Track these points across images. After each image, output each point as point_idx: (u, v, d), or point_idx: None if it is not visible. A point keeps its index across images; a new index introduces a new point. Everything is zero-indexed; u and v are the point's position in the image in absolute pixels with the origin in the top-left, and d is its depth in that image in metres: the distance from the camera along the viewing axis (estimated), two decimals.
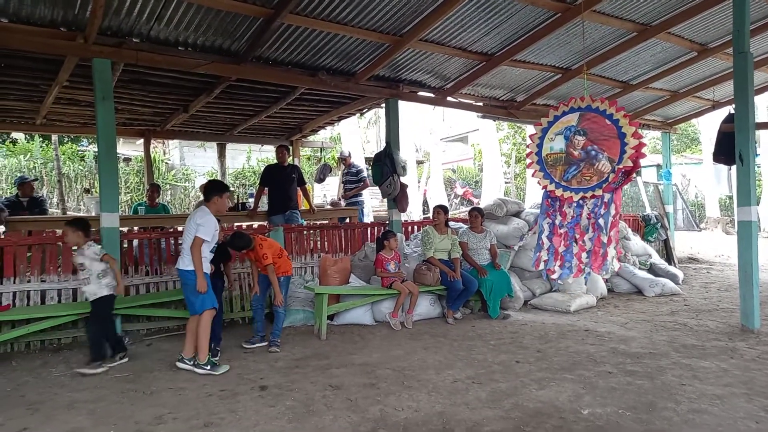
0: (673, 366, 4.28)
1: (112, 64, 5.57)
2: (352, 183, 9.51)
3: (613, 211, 4.59)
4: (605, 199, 4.69)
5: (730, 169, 6.48)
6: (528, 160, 5.26)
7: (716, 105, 10.18)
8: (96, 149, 7.59)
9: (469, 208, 7.43)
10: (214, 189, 4.55)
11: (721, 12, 6.47)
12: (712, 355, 4.56)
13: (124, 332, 5.31)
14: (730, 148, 5.64)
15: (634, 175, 4.59)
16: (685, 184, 22.17)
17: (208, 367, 4.26)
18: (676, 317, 6.17)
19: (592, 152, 4.69)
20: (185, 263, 4.33)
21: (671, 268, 8.98)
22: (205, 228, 4.31)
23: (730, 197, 19.17)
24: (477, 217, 6.80)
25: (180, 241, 6.05)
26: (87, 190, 15.13)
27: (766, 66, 8.40)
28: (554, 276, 5.06)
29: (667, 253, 10.32)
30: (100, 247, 4.66)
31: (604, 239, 4.62)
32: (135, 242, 5.88)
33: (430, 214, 6.83)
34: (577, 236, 4.81)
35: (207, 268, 4.41)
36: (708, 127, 17.54)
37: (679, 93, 9.53)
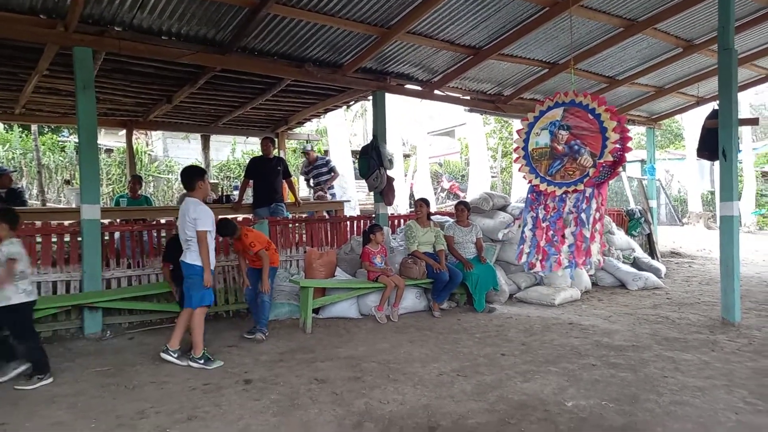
0: (655, 358, 4.32)
1: (93, 53, 5.47)
2: (324, 175, 9.41)
3: (594, 206, 4.59)
4: (587, 194, 4.69)
5: (713, 165, 6.55)
6: (515, 155, 5.26)
7: (700, 101, 10.28)
8: (77, 140, 7.43)
9: (455, 202, 7.40)
10: (195, 175, 4.44)
11: (706, 8, 6.51)
12: (694, 348, 4.62)
13: (105, 326, 5.24)
14: (713, 143, 5.69)
15: (620, 169, 4.59)
16: (668, 180, 22.44)
17: (202, 361, 4.21)
18: (659, 310, 6.25)
19: (575, 147, 4.70)
20: (192, 257, 4.26)
21: (654, 262, 9.09)
22: (203, 219, 4.24)
23: (712, 192, 19.47)
24: (463, 210, 6.80)
25: (164, 235, 6.04)
26: (67, 182, 14.86)
27: (750, 63, 8.50)
28: (535, 270, 5.08)
29: (650, 248, 10.44)
30: (12, 247, 3.87)
31: (587, 233, 4.63)
32: (117, 234, 5.78)
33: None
34: (558, 229, 4.83)
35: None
36: (692, 123, 17.73)
37: (664, 89, 9.61)
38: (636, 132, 25.59)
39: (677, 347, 4.65)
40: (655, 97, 9.89)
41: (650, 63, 8.26)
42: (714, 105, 5.98)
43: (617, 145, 4.46)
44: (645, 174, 11.97)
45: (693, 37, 7.51)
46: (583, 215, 4.62)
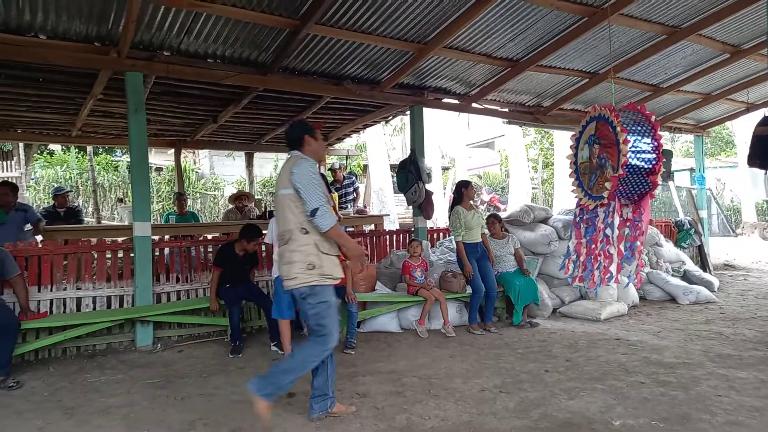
0: (708, 376, 4.15)
1: (143, 77, 5.75)
2: (350, 195, 9.45)
3: (617, 221, 4.40)
4: (611, 208, 4.56)
5: (766, 173, 6.26)
6: (569, 170, 5.21)
7: (750, 107, 9.89)
8: (129, 159, 7.79)
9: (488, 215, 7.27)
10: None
11: (753, 12, 6.29)
12: (750, 365, 4.41)
13: (156, 339, 5.44)
14: (764, 151, 5.48)
15: (659, 179, 4.39)
16: (720, 189, 21.56)
17: None
18: (712, 326, 6.00)
19: (602, 160, 4.62)
20: None
21: (706, 275, 8.73)
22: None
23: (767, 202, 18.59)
24: (494, 223, 6.63)
25: (210, 250, 6.25)
26: (120, 200, 15.54)
27: None
28: (578, 283, 4.97)
29: (702, 260, 10.05)
30: None
31: (613, 250, 4.47)
32: (166, 250, 6.01)
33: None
34: (593, 245, 4.71)
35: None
36: (743, 129, 17.05)
37: (711, 95, 9.30)
38: (685, 140, 24.78)
39: (732, 364, 4.45)
40: (702, 104, 9.58)
41: (696, 69, 8.02)
42: (765, 111, 5.75)
43: (629, 157, 4.25)
44: (694, 183, 11.56)
45: (741, 41, 7.26)
46: (608, 230, 4.48)
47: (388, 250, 7.52)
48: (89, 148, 13.28)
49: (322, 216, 3.16)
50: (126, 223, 9.17)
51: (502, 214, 7.81)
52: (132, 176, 5.69)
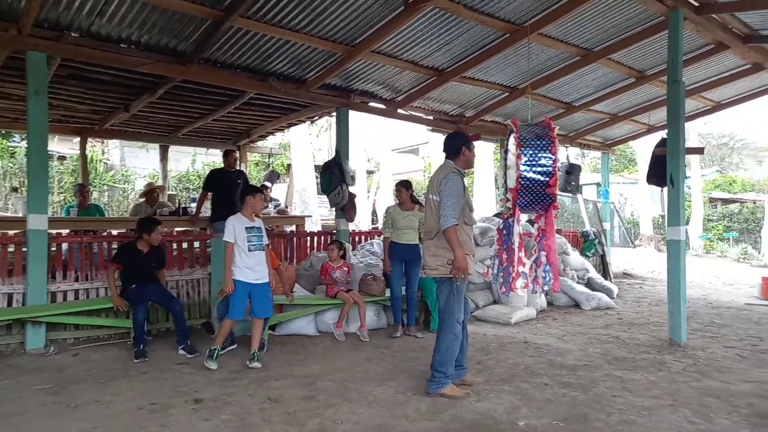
0: (605, 378, 4.43)
1: (48, 58, 5.30)
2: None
3: (516, 231, 4.48)
4: (514, 219, 4.66)
5: (662, 190, 6.79)
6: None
7: (651, 129, 10.73)
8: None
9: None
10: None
11: (657, 42, 6.84)
12: (642, 368, 4.75)
13: (49, 341, 5.01)
14: (662, 170, 5.94)
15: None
16: (622, 203, 23.25)
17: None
18: (610, 330, 6.42)
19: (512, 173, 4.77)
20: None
21: (607, 283, 9.36)
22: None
23: (663, 216, 20.27)
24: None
25: (114, 246, 5.85)
26: (15, 189, 14.26)
27: (698, 94, 8.95)
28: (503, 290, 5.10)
29: (604, 268, 10.75)
30: None
31: (515, 259, 4.56)
32: (64, 246, 5.56)
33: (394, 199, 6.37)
34: (507, 254, 4.84)
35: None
36: (644, 149, 18.50)
37: (618, 116, 10.00)
38: (593, 156, 26.49)
39: (626, 367, 4.78)
40: (609, 123, 10.27)
41: (605, 91, 8.59)
42: (663, 133, 6.25)
43: (521, 170, 4.34)
44: (600, 197, 12.37)
45: (645, 68, 7.87)
46: (514, 238, 4.57)
47: (309, 251, 7.42)
48: None
49: (445, 218, 3.79)
50: (20, 215, 8.38)
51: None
52: (29, 164, 5.23)
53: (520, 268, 4.25)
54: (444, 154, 4.18)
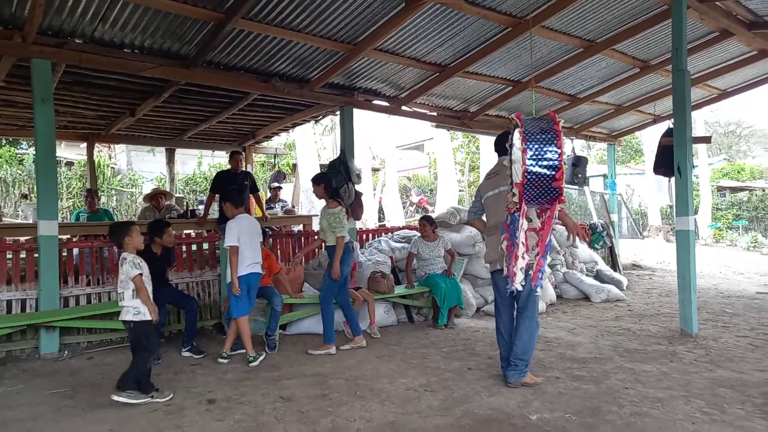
0: (617, 370, 4.42)
1: (52, 65, 5.34)
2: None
3: (521, 225, 4.47)
4: (520, 213, 4.64)
5: (670, 180, 6.75)
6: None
7: (657, 119, 10.66)
8: (35, 152, 7.21)
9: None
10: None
11: (661, 31, 6.80)
12: (654, 359, 4.74)
13: (63, 346, 5.06)
14: (669, 160, 5.90)
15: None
16: (629, 194, 23.12)
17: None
18: (621, 322, 6.40)
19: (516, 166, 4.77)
20: None
21: (616, 275, 9.32)
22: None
23: (671, 207, 20.15)
24: (425, 226, 6.64)
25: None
26: (25, 196, 14.37)
27: (703, 83, 8.89)
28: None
29: (612, 260, 10.71)
30: None
31: (519, 252, 4.55)
32: (75, 251, 5.61)
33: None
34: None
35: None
36: (650, 139, 18.38)
37: (623, 107, 9.95)
38: (599, 148, 26.38)
39: (638, 359, 4.77)
40: (614, 114, 10.22)
41: (609, 82, 8.55)
42: (669, 123, 6.21)
43: (527, 164, 4.34)
44: (606, 188, 12.30)
45: (649, 57, 7.82)
46: (519, 233, 4.55)
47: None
48: None
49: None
50: (31, 222, 8.44)
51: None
52: (37, 171, 5.27)
53: (520, 264, 4.24)
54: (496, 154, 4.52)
